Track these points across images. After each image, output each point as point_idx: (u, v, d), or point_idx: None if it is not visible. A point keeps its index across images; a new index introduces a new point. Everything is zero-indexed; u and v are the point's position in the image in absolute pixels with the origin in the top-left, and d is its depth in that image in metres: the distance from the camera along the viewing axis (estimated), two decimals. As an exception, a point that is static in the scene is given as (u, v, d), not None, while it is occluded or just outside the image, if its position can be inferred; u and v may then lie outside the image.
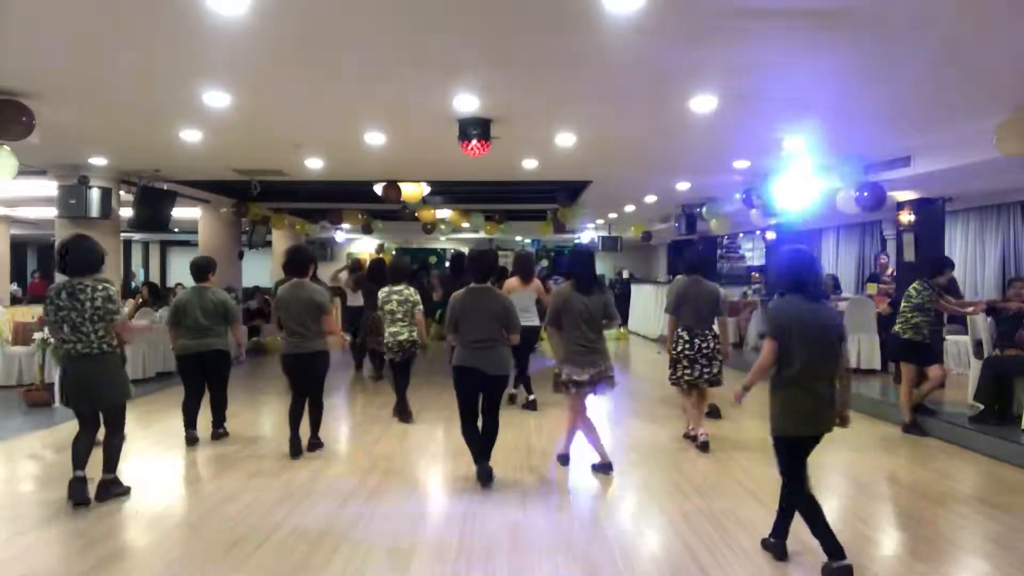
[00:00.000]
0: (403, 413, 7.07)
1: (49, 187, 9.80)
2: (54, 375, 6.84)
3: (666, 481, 5.19)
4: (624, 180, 10.70)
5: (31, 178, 9.62)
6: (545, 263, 23.97)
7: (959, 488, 5.22)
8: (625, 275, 21.76)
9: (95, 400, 4.61)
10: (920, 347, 6.59)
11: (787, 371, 3.64)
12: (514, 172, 9.51)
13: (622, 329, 16.50)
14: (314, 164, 9.03)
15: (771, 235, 13.54)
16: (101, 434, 4.72)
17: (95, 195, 9.09)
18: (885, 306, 8.86)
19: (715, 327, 6.24)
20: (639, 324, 16.78)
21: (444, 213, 14.74)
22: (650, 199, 12.79)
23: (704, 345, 6.10)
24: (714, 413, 7.12)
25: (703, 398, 6.35)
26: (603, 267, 22.78)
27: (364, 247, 23.16)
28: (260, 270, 18.27)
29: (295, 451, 5.72)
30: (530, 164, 8.95)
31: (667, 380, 6.39)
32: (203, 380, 6.25)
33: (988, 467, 5.66)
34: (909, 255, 9.31)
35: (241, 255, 14.60)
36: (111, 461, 4.70)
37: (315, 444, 5.91)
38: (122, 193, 9.88)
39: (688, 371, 6.13)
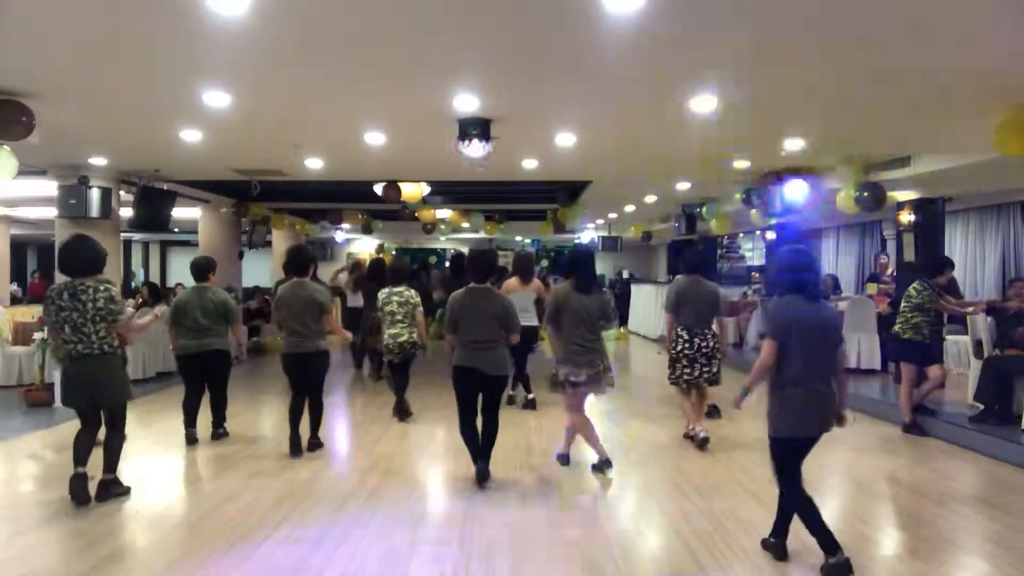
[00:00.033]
0: (402, 412, 7.09)
1: (49, 187, 9.79)
2: (54, 375, 6.84)
3: (666, 481, 5.19)
4: (624, 180, 10.70)
5: (31, 178, 9.62)
6: (545, 263, 23.98)
7: (959, 488, 5.22)
8: (625, 275, 21.76)
9: (96, 400, 4.62)
10: (920, 347, 6.59)
11: (786, 371, 3.64)
12: (514, 172, 9.51)
13: (622, 329, 16.51)
14: (314, 164, 9.03)
15: (771, 235, 13.54)
16: (101, 434, 4.73)
17: (95, 195, 9.09)
18: (885, 306, 8.86)
19: (714, 326, 6.24)
20: (639, 324, 16.78)
21: (444, 213, 14.75)
22: (650, 199, 12.79)
23: (704, 344, 6.10)
24: (713, 413, 7.13)
25: (703, 397, 6.36)
26: (603, 267, 22.81)
27: (364, 247, 23.16)
28: (260, 270, 18.28)
29: (295, 450, 5.72)
30: (530, 164, 8.95)
31: (666, 380, 6.40)
32: (203, 380, 6.25)
33: (988, 467, 5.66)
34: (909, 255, 9.32)
35: (241, 255, 14.60)
36: (111, 461, 4.71)
37: (315, 444, 5.91)
38: (122, 193, 9.88)
39: (688, 370, 6.13)
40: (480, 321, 4.95)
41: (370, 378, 9.66)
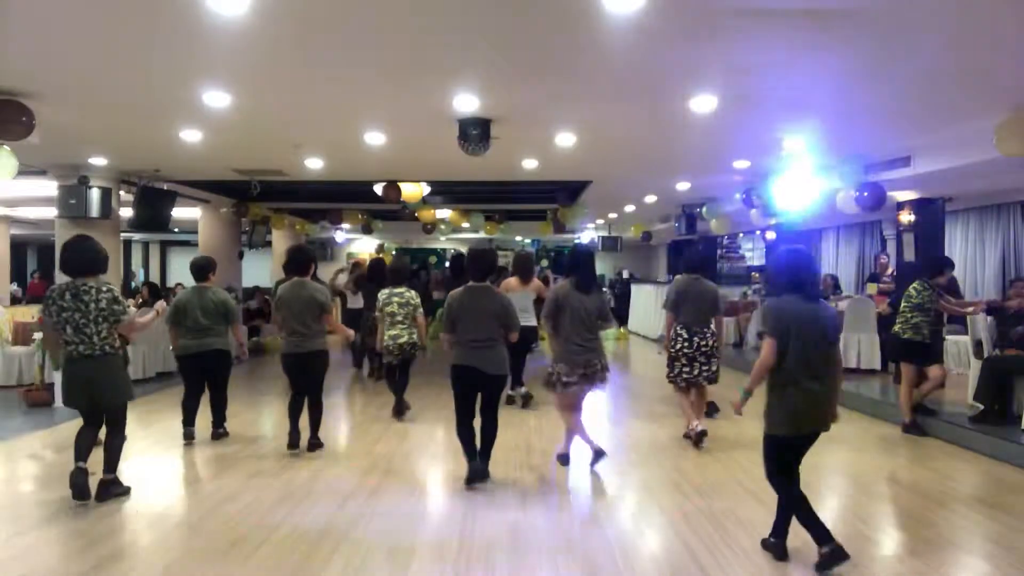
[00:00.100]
0: (400, 412, 7.10)
1: (49, 187, 9.80)
2: (54, 375, 6.84)
3: (666, 481, 5.19)
4: (624, 180, 10.70)
5: (31, 178, 9.63)
6: (545, 263, 23.98)
7: (959, 488, 5.22)
8: (625, 275, 21.75)
9: (96, 401, 4.61)
10: (920, 347, 6.58)
11: (785, 370, 3.64)
12: (514, 172, 9.52)
13: (622, 329, 16.51)
14: (314, 164, 9.03)
15: (771, 235, 13.54)
16: (102, 434, 4.73)
17: (95, 195, 9.10)
18: (885, 306, 8.86)
19: (713, 325, 6.25)
20: (639, 324, 16.78)
21: (444, 213, 14.75)
22: (650, 199, 12.80)
23: (703, 343, 6.11)
24: (712, 411, 7.13)
25: (702, 396, 6.36)
26: (603, 267, 22.80)
27: (364, 247, 23.16)
28: (260, 270, 18.28)
29: (294, 442, 5.73)
30: (530, 164, 8.95)
31: (665, 378, 6.40)
32: (203, 380, 6.25)
33: (988, 467, 5.66)
34: (909, 255, 9.32)
35: (241, 255, 14.60)
36: (112, 461, 4.70)
37: (315, 444, 5.90)
38: (122, 193, 9.89)
39: (687, 369, 6.14)
40: (479, 320, 4.94)
41: (370, 378, 9.67)
